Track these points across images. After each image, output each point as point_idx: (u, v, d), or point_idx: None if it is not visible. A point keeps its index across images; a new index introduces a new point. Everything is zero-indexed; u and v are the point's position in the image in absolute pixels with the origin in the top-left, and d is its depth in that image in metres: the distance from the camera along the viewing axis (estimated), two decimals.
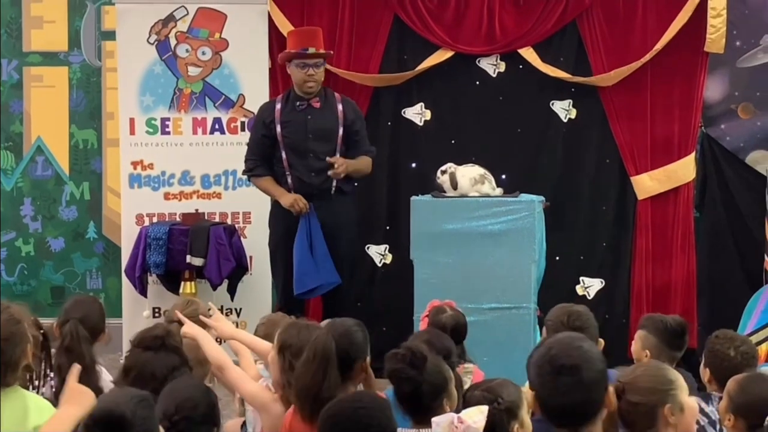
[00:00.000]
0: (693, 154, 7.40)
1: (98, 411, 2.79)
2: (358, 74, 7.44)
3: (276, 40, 7.43)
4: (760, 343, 6.60)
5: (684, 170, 7.38)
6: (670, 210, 7.40)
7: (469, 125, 7.52)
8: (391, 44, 7.53)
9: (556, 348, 2.84)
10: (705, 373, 4.22)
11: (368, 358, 3.87)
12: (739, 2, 7.35)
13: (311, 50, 6.60)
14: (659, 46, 7.24)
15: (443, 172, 6.58)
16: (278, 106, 6.69)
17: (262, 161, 6.72)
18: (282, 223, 6.68)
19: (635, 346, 4.81)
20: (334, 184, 6.63)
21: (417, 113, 7.59)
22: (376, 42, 7.50)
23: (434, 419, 3.29)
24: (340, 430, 3.04)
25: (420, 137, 7.57)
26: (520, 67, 7.46)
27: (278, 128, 6.63)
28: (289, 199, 6.56)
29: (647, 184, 7.39)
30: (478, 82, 7.53)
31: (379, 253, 7.59)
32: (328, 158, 6.53)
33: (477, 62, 7.52)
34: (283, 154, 6.63)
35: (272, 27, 7.43)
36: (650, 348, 4.69)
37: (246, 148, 6.82)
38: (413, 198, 6.68)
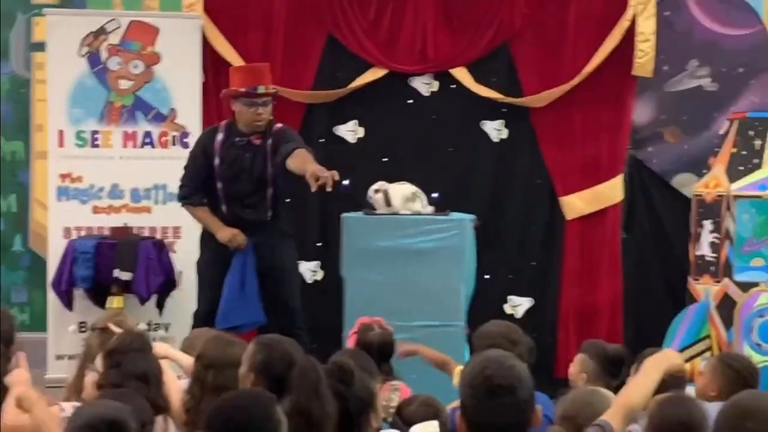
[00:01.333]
0: (621, 176, 7.50)
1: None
2: (292, 91, 7.44)
3: (209, 55, 7.41)
4: (685, 363, 6.71)
5: (612, 191, 7.47)
6: (598, 231, 7.49)
7: (402, 143, 7.55)
8: (324, 61, 7.54)
9: (490, 368, 2.82)
10: None
11: None
12: (667, 27, 7.48)
13: (261, 89, 6.40)
14: (589, 68, 7.34)
15: (376, 191, 6.60)
16: (219, 137, 6.49)
17: (197, 189, 6.54)
18: (212, 247, 6.51)
19: (574, 369, 4.88)
20: (269, 216, 6.50)
21: (350, 131, 7.61)
22: (310, 59, 7.51)
23: None
24: (219, 427, 3.01)
25: (353, 155, 7.59)
26: (453, 86, 7.51)
27: (216, 160, 6.45)
28: (226, 234, 6.40)
29: (576, 204, 7.48)
30: (411, 101, 7.57)
31: (310, 270, 7.58)
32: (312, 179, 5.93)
33: (410, 81, 7.56)
34: (219, 185, 6.48)
35: (205, 41, 7.40)
36: (588, 372, 4.77)
37: (183, 171, 6.61)
38: (345, 215, 6.69)
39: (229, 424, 2.97)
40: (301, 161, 6.09)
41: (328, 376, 3.60)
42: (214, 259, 6.50)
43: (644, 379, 3.31)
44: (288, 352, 3.75)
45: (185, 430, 3.95)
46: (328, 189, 5.84)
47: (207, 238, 6.59)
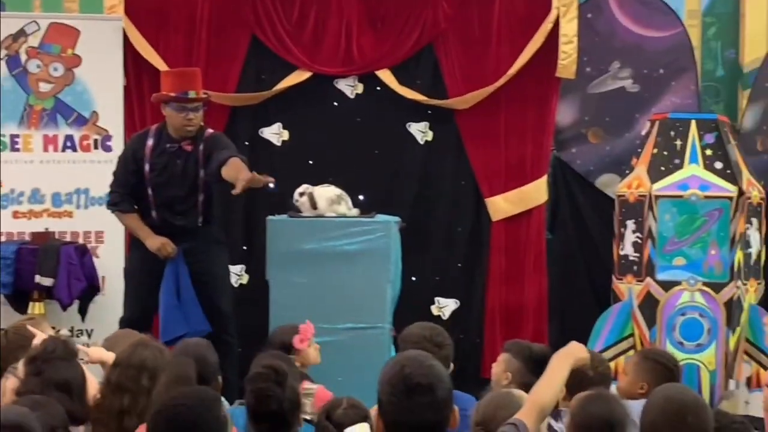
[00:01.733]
0: (545, 177, 7.54)
1: None
2: (215, 93, 7.36)
3: (131, 57, 7.34)
4: (609, 361, 6.78)
5: (536, 192, 7.52)
6: (523, 231, 7.52)
7: (327, 146, 7.53)
8: (248, 63, 7.50)
9: (409, 367, 2.82)
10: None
11: (220, 378, 3.89)
12: (590, 29, 7.56)
13: (192, 94, 6.40)
14: (513, 70, 7.38)
15: (301, 194, 6.56)
16: (150, 142, 6.45)
17: (127, 195, 6.50)
18: (142, 252, 6.48)
19: (497, 368, 4.88)
20: (200, 222, 6.51)
21: (274, 133, 7.57)
22: (234, 61, 7.46)
23: None
24: (163, 428, 2.99)
25: (277, 157, 7.55)
26: (378, 88, 7.51)
27: (146, 167, 6.42)
28: (156, 243, 6.37)
29: (501, 205, 7.51)
30: (336, 103, 7.55)
31: (235, 274, 7.52)
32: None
33: (335, 83, 7.54)
34: (150, 191, 6.45)
35: (127, 44, 7.32)
36: (513, 372, 4.79)
37: (113, 176, 6.57)
38: (269, 218, 6.65)
39: (173, 423, 2.94)
40: (235, 170, 6.08)
41: (264, 379, 3.61)
42: (142, 264, 6.46)
43: (553, 375, 3.33)
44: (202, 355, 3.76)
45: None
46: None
47: (137, 243, 6.57)
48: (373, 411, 3.26)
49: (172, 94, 6.37)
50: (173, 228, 6.44)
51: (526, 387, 4.31)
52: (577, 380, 4.14)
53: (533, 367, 4.73)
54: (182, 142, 6.41)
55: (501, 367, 4.84)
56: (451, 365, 4.76)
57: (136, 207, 6.50)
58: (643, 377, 4.47)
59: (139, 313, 6.43)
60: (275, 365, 3.68)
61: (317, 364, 5.47)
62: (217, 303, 6.51)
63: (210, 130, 6.53)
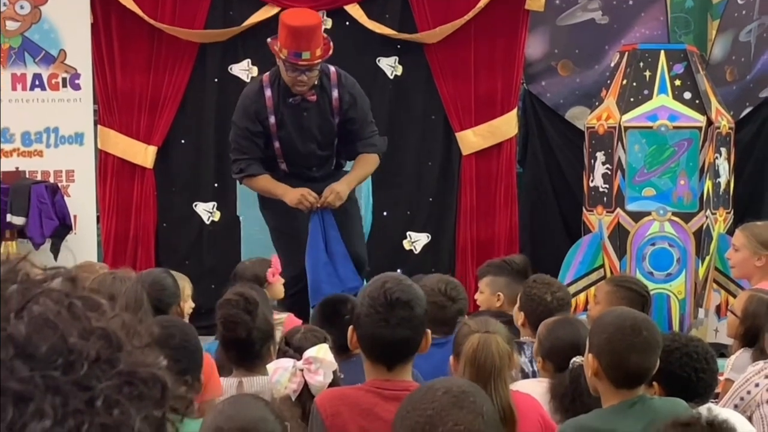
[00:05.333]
0: (515, 111, 7.56)
1: None
2: (183, 30, 7.34)
3: None
4: (578, 293, 6.85)
5: (507, 126, 7.53)
6: (494, 165, 7.55)
7: None
8: (216, 0, 7.44)
9: (390, 282, 2.88)
10: (519, 317, 4.27)
11: (181, 303, 3.94)
12: None
13: (305, 55, 5.44)
14: (482, 3, 7.36)
15: None
16: (268, 93, 5.61)
17: (255, 159, 5.67)
18: (276, 213, 5.74)
19: (483, 296, 4.85)
20: (333, 166, 5.81)
21: (244, 69, 7.54)
22: None
23: (271, 364, 3.32)
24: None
25: None
26: (347, 23, 7.48)
27: (272, 120, 5.59)
28: (295, 195, 5.52)
29: (471, 139, 7.53)
30: None
31: (207, 211, 7.53)
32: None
33: None
34: (277, 145, 5.65)
35: None
36: (502, 289, 4.76)
37: (232, 144, 5.78)
38: None
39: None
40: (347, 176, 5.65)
41: (233, 306, 3.64)
42: (282, 225, 5.75)
43: None
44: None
45: None
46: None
47: (267, 203, 5.83)
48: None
49: (283, 54, 5.48)
50: (307, 178, 5.71)
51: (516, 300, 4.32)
52: (536, 307, 4.19)
53: (520, 279, 4.67)
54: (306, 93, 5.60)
55: (488, 291, 4.82)
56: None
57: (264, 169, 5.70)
58: (616, 304, 4.50)
59: (299, 269, 5.58)
60: (246, 293, 3.70)
61: (281, 298, 5.45)
62: (359, 250, 5.76)
63: (334, 70, 5.70)
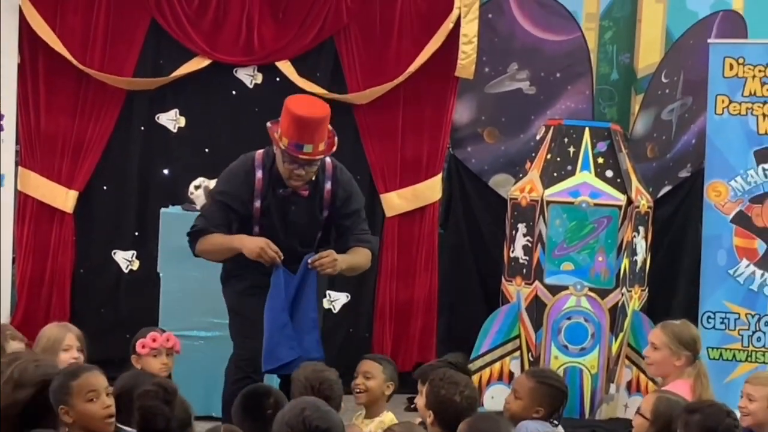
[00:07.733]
0: (440, 176, 7.61)
1: None
2: (112, 76, 7.29)
3: (26, 36, 7.21)
4: (493, 362, 6.92)
5: (431, 190, 7.59)
6: (416, 228, 7.59)
7: (224, 134, 7.48)
8: (147, 48, 7.40)
9: (309, 410, 2.90)
10: (428, 414, 4.16)
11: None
12: (490, 30, 7.62)
13: (307, 149, 5.06)
14: (412, 68, 7.41)
15: (197, 187, 6.53)
16: (259, 174, 5.21)
17: (219, 228, 5.26)
18: (248, 278, 5.27)
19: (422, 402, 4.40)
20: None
21: (171, 119, 7.50)
22: (132, 44, 7.36)
23: None
24: None
25: (173, 144, 7.49)
26: (277, 79, 7.47)
27: (257, 203, 5.21)
28: (255, 246, 5.06)
29: (395, 202, 7.57)
30: (234, 92, 7.51)
31: (126, 259, 7.47)
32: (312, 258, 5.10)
33: (234, 72, 7.48)
34: (257, 229, 5.26)
35: (23, 22, 7.18)
36: None
37: (203, 214, 5.43)
38: (163, 210, 6.61)
39: None
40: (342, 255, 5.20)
41: (152, 397, 3.61)
42: (245, 294, 5.28)
43: None
44: None
45: None
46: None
47: (231, 284, 5.38)
48: None
49: (283, 143, 5.10)
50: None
51: None
52: (443, 406, 4.17)
53: None
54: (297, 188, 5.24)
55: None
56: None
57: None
58: (539, 401, 4.53)
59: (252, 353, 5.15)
60: (163, 383, 3.68)
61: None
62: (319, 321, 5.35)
63: (329, 163, 5.35)
